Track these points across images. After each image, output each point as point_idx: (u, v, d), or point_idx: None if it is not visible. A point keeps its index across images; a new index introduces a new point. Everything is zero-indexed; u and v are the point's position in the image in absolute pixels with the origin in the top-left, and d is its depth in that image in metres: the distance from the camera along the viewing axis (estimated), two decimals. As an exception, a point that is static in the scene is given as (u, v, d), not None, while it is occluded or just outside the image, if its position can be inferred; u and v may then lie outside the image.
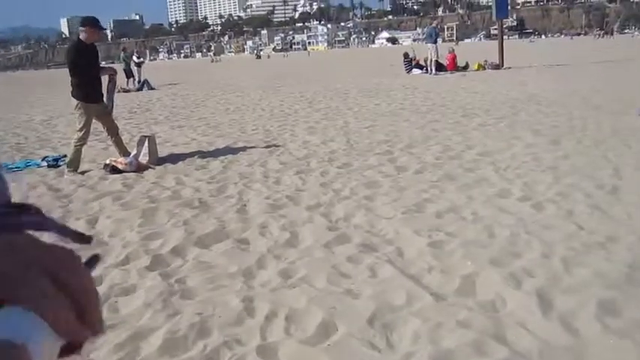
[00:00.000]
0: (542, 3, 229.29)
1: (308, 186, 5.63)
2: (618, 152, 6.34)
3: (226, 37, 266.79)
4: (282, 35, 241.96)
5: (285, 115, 11.43)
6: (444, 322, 2.81)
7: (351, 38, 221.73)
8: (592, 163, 5.94)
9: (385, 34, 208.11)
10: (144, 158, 6.96)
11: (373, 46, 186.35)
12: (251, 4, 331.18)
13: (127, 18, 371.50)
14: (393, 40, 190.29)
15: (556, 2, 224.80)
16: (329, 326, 2.85)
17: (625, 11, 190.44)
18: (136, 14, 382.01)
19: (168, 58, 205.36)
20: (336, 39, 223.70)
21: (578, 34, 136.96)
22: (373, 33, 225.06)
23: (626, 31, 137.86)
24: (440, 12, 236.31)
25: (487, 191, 5.08)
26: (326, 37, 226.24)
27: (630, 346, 2.53)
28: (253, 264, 3.68)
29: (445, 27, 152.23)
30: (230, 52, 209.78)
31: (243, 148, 7.87)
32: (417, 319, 2.86)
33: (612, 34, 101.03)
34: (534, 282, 3.19)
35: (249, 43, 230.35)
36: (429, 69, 21.36)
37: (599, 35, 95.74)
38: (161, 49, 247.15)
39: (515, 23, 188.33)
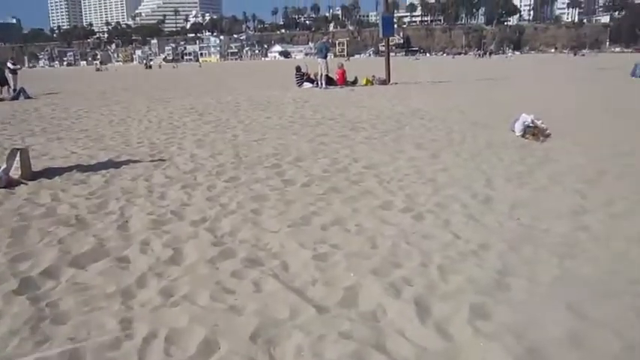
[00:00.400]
0: (426, 23, 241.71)
1: (194, 200, 5.50)
2: (491, 164, 6.80)
3: (114, 46, 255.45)
4: (174, 45, 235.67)
5: (174, 128, 11.13)
6: (326, 334, 2.84)
7: (244, 50, 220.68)
8: (468, 175, 6.31)
9: (278, 48, 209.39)
10: (15, 173, 6.46)
11: (266, 59, 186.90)
12: (140, 12, 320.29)
13: (1, 21, 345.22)
14: (285, 54, 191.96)
15: (439, 23, 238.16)
16: (211, 344, 2.79)
17: (500, 34, 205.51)
18: (13, 17, 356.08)
19: (50, 66, 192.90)
20: (229, 51, 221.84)
21: (459, 54, 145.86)
22: (266, 46, 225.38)
23: (508, 52, 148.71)
24: (331, 28, 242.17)
25: (371, 203, 5.23)
26: (218, 48, 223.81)
27: (498, 348, 2.69)
28: (133, 283, 3.52)
29: (336, 42, 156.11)
30: (118, 61, 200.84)
31: (127, 162, 7.55)
32: (300, 332, 2.87)
33: (490, 54, 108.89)
34: (413, 290, 3.31)
35: (139, 52, 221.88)
36: (319, 83, 21.81)
37: (479, 55, 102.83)
38: (41, 56, 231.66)
39: (402, 41, 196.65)
